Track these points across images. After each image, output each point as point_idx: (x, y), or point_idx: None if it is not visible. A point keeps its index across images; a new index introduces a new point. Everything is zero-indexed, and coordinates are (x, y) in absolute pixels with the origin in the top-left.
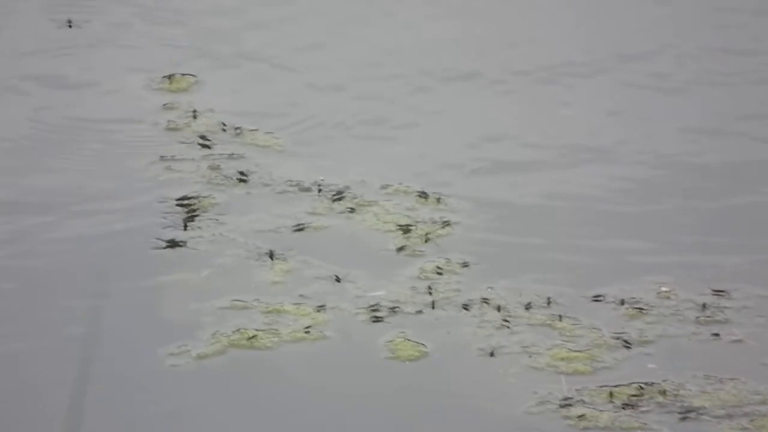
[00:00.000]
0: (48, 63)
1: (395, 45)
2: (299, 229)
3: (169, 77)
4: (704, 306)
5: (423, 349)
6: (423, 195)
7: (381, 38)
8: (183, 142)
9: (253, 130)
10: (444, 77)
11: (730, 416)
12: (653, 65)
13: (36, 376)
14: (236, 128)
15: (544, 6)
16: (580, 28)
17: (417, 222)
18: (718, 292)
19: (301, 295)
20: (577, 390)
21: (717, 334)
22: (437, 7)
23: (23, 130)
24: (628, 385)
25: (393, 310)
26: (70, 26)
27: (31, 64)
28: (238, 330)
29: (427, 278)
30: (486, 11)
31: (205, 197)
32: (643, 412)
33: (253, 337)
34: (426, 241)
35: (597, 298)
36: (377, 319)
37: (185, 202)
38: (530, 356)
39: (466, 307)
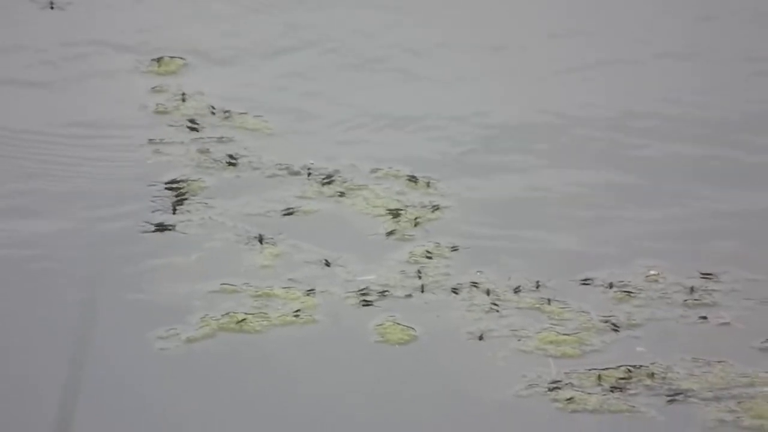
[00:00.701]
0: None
1: (384, 26)
2: (289, 213)
3: (158, 60)
4: (692, 289)
5: (412, 332)
6: (413, 179)
7: (369, 21)
8: (172, 126)
9: (242, 113)
10: (438, 59)
11: (717, 399)
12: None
13: (26, 361)
14: (225, 111)
15: None
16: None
17: (407, 206)
18: (706, 276)
19: (290, 279)
20: (565, 373)
21: (705, 317)
22: None
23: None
24: (617, 368)
25: (382, 294)
26: (52, 7)
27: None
28: (227, 314)
29: (416, 262)
30: None
31: (194, 181)
32: (631, 394)
33: (243, 320)
34: (416, 225)
35: (586, 282)
36: (367, 303)
37: (174, 185)
38: (519, 340)
39: (455, 290)
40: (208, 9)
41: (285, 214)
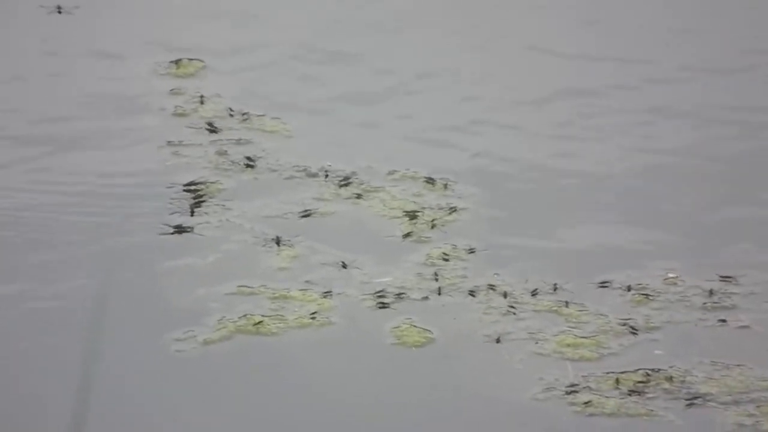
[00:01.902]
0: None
1: (402, 29)
2: (306, 215)
3: (176, 62)
4: (711, 292)
5: (429, 335)
6: (430, 181)
7: (387, 25)
8: (190, 128)
9: (260, 115)
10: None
11: (736, 402)
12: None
13: (44, 361)
14: (243, 113)
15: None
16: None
17: (424, 208)
18: (725, 278)
19: (307, 281)
20: (583, 376)
21: (724, 320)
22: None
23: (22, 119)
24: (635, 371)
25: (399, 296)
26: (60, 12)
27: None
28: (244, 316)
29: (433, 264)
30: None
31: (212, 183)
32: (649, 398)
33: (260, 322)
34: (432, 227)
35: (603, 285)
36: (383, 305)
37: (192, 187)
38: (536, 342)
39: (472, 293)
40: (227, 11)
41: (302, 216)
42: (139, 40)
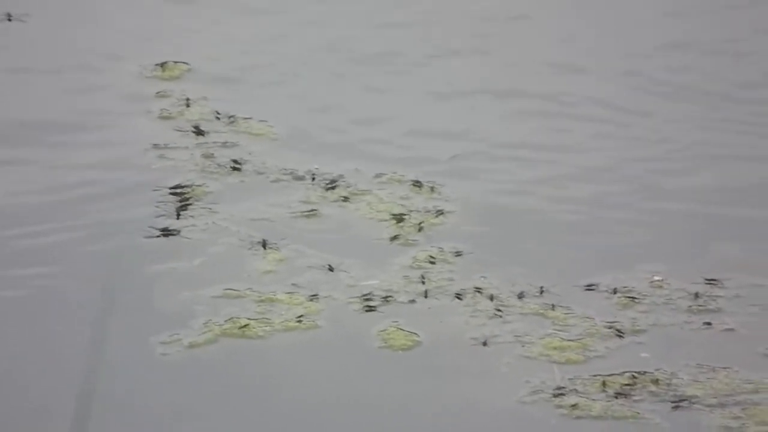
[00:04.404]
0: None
1: (389, 33)
2: (293, 218)
3: (162, 65)
4: (697, 295)
5: (416, 338)
6: (417, 184)
7: (369, 27)
8: (176, 130)
9: (246, 118)
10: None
11: (722, 405)
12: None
13: (33, 366)
14: (230, 116)
15: None
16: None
17: (411, 211)
18: (710, 281)
19: (293, 284)
20: (569, 379)
21: (709, 323)
22: None
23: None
24: (621, 374)
25: (386, 299)
26: (9, 20)
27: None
28: (230, 319)
29: (420, 267)
30: None
31: (198, 186)
32: (635, 401)
33: (246, 326)
34: (419, 230)
35: (590, 287)
36: (370, 309)
37: (179, 190)
38: (523, 345)
39: (458, 296)
40: (210, 16)
41: (289, 219)
42: (124, 44)
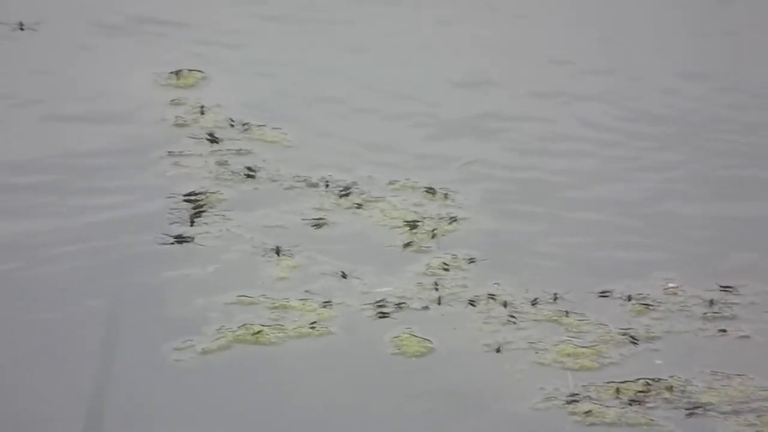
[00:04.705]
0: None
1: (402, 37)
2: (306, 225)
3: (177, 73)
4: (711, 302)
5: (429, 345)
6: (431, 190)
7: (389, 33)
8: (191, 138)
9: (261, 125)
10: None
11: (737, 412)
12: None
13: (45, 371)
14: (244, 124)
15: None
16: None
17: (424, 218)
18: (725, 288)
19: (307, 291)
20: (583, 386)
21: (724, 330)
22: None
23: (26, 125)
24: (635, 381)
25: (399, 306)
26: (22, 29)
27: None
28: (243, 325)
29: (433, 274)
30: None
31: (212, 193)
32: (649, 408)
33: (259, 332)
34: (433, 237)
35: (604, 294)
36: (383, 315)
37: (193, 197)
38: (537, 352)
39: (472, 303)
40: (227, 23)
41: (302, 226)
42: (136, 51)
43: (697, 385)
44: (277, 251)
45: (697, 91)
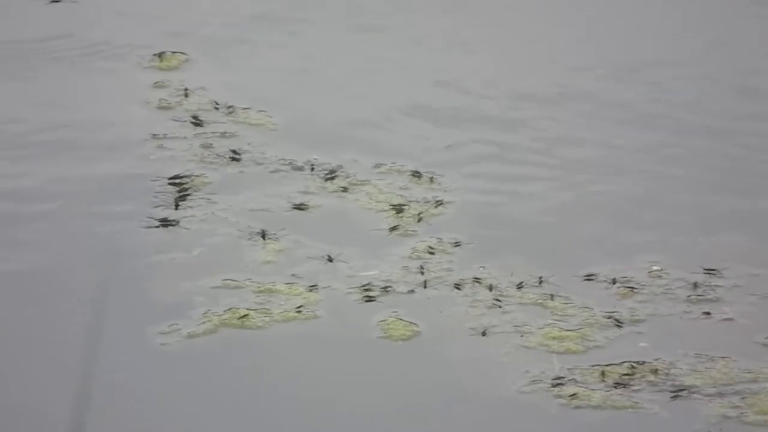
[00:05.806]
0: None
1: (390, 18)
2: (292, 208)
3: (160, 55)
4: (695, 285)
5: (415, 328)
6: (416, 174)
7: (375, 14)
8: (175, 121)
9: (245, 108)
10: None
11: (721, 394)
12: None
13: (31, 355)
14: (228, 107)
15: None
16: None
17: (410, 201)
18: (709, 271)
19: (293, 275)
20: (569, 369)
21: (708, 313)
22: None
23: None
24: (620, 364)
25: (385, 289)
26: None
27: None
28: (229, 309)
29: (419, 258)
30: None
31: (197, 176)
32: (634, 390)
33: (245, 316)
34: (419, 221)
35: (589, 278)
36: (369, 299)
37: (177, 181)
38: (522, 335)
39: (458, 286)
40: (210, 4)
41: (288, 210)
42: (123, 33)
43: (681, 368)
44: (263, 235)
45: (667, 77)
